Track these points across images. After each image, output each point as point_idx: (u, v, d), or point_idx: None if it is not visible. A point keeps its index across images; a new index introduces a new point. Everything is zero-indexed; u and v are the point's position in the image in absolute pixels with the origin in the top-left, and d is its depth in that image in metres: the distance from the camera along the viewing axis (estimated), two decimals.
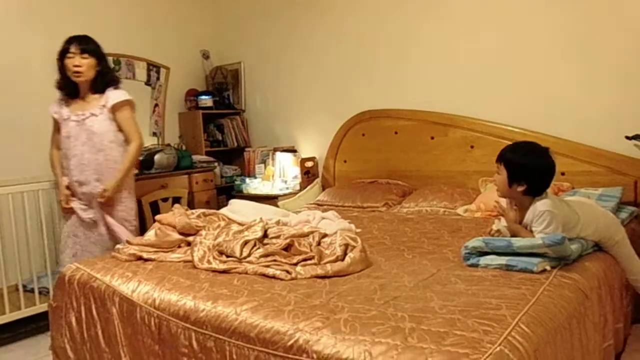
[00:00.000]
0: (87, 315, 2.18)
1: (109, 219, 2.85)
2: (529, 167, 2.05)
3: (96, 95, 2.87)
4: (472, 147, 3.48)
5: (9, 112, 3.47)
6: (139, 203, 3.72)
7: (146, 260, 2.32)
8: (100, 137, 2.81)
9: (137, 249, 2.38)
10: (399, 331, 1.41)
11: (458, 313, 1.50)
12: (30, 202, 3.03)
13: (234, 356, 1.60)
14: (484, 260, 1.95)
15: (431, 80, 3.66)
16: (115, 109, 2.84)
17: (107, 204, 2.84)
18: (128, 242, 2.47)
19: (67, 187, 2.85)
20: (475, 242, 1.99)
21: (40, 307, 2.94)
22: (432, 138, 3.67)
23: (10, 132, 3.47)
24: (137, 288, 2.02)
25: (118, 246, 2.45)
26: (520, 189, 2.06)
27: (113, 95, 2.86)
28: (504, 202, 2.23)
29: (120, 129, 2.88)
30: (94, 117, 2.81)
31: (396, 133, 3.85)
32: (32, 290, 3.10)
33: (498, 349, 1.29)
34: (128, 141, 2.89)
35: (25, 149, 3.50)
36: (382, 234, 2.67)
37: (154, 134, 4.43)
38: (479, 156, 3.44)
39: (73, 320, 2.25)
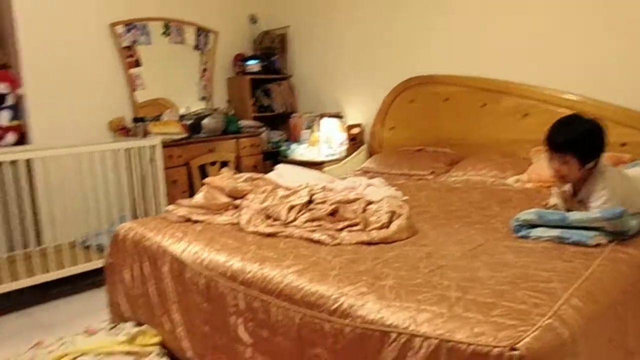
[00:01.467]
0: (140, 272, 2.28)
1: None
2: (592, 138, 1.95)
3: None
4: (525, 115, 3.35)
5: (71, 80, 3.60)
6: (188, 167, 3.82)
7: (195, 221, 2.38)
8: None
9: (187, 211, 2.45)
10: (444, 300, 1.40)
11: (506, 284, 1.47)
12: (89, 164, 3.15)
13: (279, 317, 1.63)
14: (535, 232, 1.90)
15: (483, 45, 3.52)
16: None
17: None
18: (177, 203, 2.54)
19: None
20: (528, 215, 1.93)
21: (96, 263, 3.08)
22: (484, 105, 3.55)
23: (71, 98, 3.60)
24: (187, 248, 2.08)
25: (168, 207, 2.53)
26: (591, 164, 1.97)
27: None
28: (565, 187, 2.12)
29: None
30: None
31: (446, 100, 3.75)
32: (89, 247, 3.26)
33: (548, 322, 1.26)
34: None
35: (82, 114, 3.63)
36: (428, 203, 2.63)
37: (203, 98, 4.49)
38: (532, 125, 3.30)
39: (127, 276, 2.36)
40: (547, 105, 3.22)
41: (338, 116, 4.30)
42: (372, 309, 1.42)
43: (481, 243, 1.89)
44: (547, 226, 1.89)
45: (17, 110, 3.42)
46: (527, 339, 1.19)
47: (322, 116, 4.31)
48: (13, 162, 2.93)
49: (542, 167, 2.84)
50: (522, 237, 1.93)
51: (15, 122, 3.40)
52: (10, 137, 3.36)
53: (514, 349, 1.16)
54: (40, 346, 2.18)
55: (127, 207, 3.30)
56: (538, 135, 3.32)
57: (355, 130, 4.21)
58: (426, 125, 3.88)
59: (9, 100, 3.38)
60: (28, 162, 3.13)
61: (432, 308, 1.37)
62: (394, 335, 1.34)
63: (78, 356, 1.94)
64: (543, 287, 1.44)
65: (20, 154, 2.91)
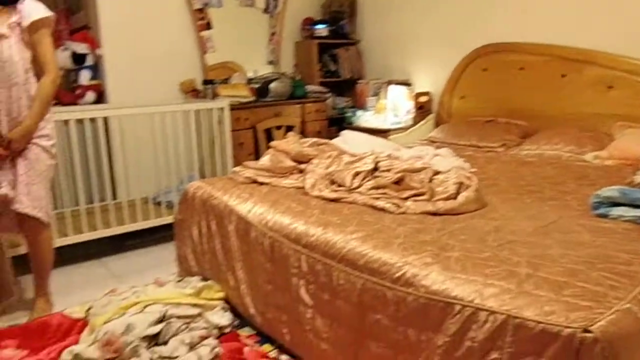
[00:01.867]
0: (207, 230, 2.36)
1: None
2: None
3: (4, 9, 2.14)
4: (609, 87, 3.12)
5: (141, 45, 3.71)
6: (254, 130, 3.87)
7: (261, 183, 2.42)
8: (13, 65, 2.11)
9: (253, 173, 2.49)
10: (513, 275, 1.36)
11: (581, 264, 1.40)
12: (161, 124, 3.26)
13: (341, 281, 1.65)
14: (617, 211, 1.78)
15: (564, 10, 3.27)
16: (33, 28, 2.14)
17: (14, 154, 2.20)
18: (244, 165, 2.59)
19: None
20: (610, 192, 1.82)
21: (166, 219, 3.23)
22: (563, 76, 3.34)
23: (145, 60, 3.72)
24: (253, 209, 2.13)
25: (235, 169, 2.58)
26: None
27: (31, 10, 2.14)
28: None
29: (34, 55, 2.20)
30: (3, 39, 2.10)
31: (522, 69, 3.55)
32: (159, 204, 3.41)
33: (626, 306, 1.19)
34: (41, 73, 2.19)
35: (155, 76, 3.75)
36: (498, 176, 2.54)
37: (270, 62, 4.50)
38: (617, 98, 3.08)
39: (195, 233, 2.45)
40: (634, 77, 2.99)
41: (406, 84, 4.19)
42: (437, 279, 1.40)
43: (554, 220, 1.81)
44: (632, 205, 1.77)
45: (96, 70, 3.58)
46: (602, 322, 1.13)
47: (389, 83, 4.22)
48: (92, 120, 3.08)
49: (625, 143, 2.66)
50: (600, 215, 1.82)
51: (94, 82, 3.56)
52: (90, 95, 3.52)
53: (587, 331, 1.11)
54: (114, 293, 2.32)
55: (195, 167, 3.40)
56: (624, 110, 3.10)
57: (423, 99, 4.10)
58: (499, 95, 3.71)
59: (89, 60, 3.54)
60: (105, 120, 3.27)
61: (499, 283, 1.33)
62: (458, 308, 1.31)
63: (149, 304, 2.05)
64: (622, 270, 1.36)
65: (98, 111, 3.05)
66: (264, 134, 3.93)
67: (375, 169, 2.29)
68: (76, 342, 1.99)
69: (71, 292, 2.61)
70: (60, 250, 2.98)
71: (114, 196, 3.47)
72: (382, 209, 1.96)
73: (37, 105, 2.16)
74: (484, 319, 1.26)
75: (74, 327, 2.15)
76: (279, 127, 4.00)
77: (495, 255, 1.49)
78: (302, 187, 2.29)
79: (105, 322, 1.98)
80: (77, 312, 2.29)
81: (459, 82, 3.95)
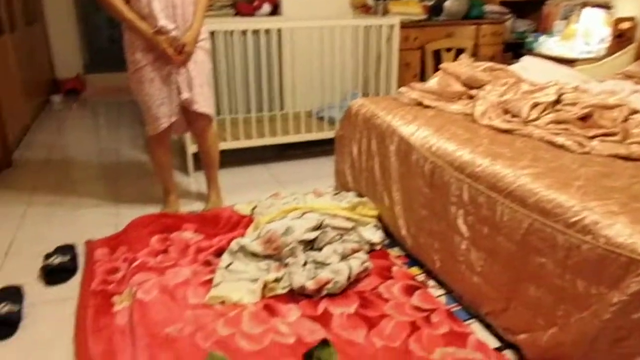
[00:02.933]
0: (367, 148, 2.37)
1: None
2: None
3: None
4: None
5: None
6: (422, 50, 3.70)
7: (426, 106, 2.33)
8: None
9: (419, 95, 2.40)
10: None
11: None
12: (330, 39, 3.27)
13: (505, 217, 1.55)
14: None
15: None
16: None
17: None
18: (410, 86, 2.50)
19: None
20: None
21: (327, 134, 3.32)
22: None
23: None
24: (416, 132, 2.07)
25: (401, 89, 2.51)
26: None
27: None
28: None
29: None
30: None
31: None
32: (322, 118, 3.51)
33: None
34: None
35: None
36: None
37: None
38: None
39: (354, 149, 2.48)
40: None
41: (606, 6, 3.61)
42: (622, 232, 1.24)
43: None
44: None
45: None
46: None
47: (584, 5, 3.67)
48: (267, 31, 3.20)
49: None
50: None
51: None
52: (266, 7, 3.63)
53: None
54: (277, 197, 2.49)
55: (359, 85, 3.39)
56: None
57: (624, 25, 3.51)
58: None
59: None
60: (279, 32, 3.37)
61: None
62: None
63: (307, 212, 2.16)
64: None
65: (273, 23, 3.15)
66: (432, 56, 3.74)
67: (558, 101, 2.05)
68: (242, 235, 2.20)
69: (239, 191, 2.86)
70: (231, 152, 3.27)
71: (281, 107, 3.64)
72: (562, 146, 1.76)
73: (200, 9, 2.28)
74: None
75: (240, 222, 2.37)
76: (449, 50, 3.77)
77: None
78: (471, 114, 2.15)
79: (268, 222, 2.15)
80: (244, 209, 2.51)
81: None
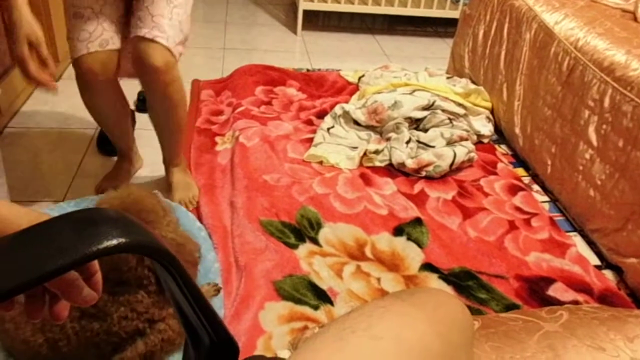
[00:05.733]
0: (496, 32, 2.15)
1: None
2: None
3: None
4: None
5: None
6: None
7: None
8: None
9: None
10: None
11: None
12: None
13: None
14: None
15: None
16: None
17: None
18: None
19: None
20: None
21: (447, 12, 3.05)
22: None
23: None
24: (562, 21, 1.82)
25: None
26: None
27: None
28: None
29: None
30: None
31: None
32: None
33: None
34: None
35: None
36: None
37: None
38: None
39: (480, 32, 2.26)
40: None
41: None
42: None
43: None
44: None
45: None
46: None
47: None
48: None
49: None
50: None
51: None
52: None
53: None
54: (386, 69, 2.37)
55: None
56: None
57: None
58: None
59: None
60: None
61: None
62: None
63: (418, 89, 2.04)
64: None
65: None
66: None
67: None
68: (346, 102, 2.14)
69: (344, 57, 2.75)
70: (338, 15, 3.10)
71: None
72: None
73: None
74: None
75: (346, 88, 2.30)
76: None
77: None
78: (632, 12, 1.85)
79: (375, 93, 2.06)
80: (350, 76, 2.42)
81: None
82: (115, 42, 1.38)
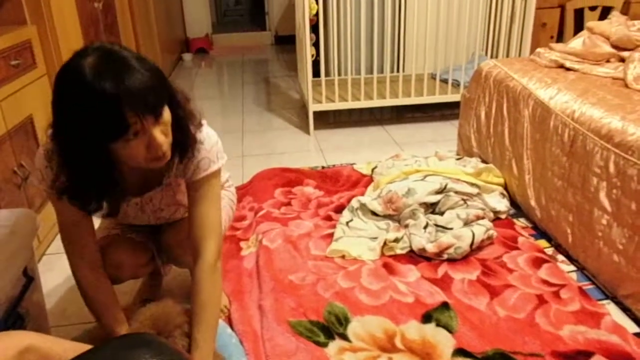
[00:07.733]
0: (497, 112, 2.25)
1: None
2: None
3: None
4: None
5: None
6: (562, 9, 3.39)
7: (568, 69, 2.15)
8: None
9: (560, 56, 2.21)
10: None
11: None
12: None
13: None
14: None
15: None
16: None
17: None
18: (550, 47, 2.31)
19: None
20: None
21: (450, 97, 3.20)
22: None
23: None
24: (556, 96, 1.91)
25: (539, 49, 2.33)
26: None
27: None
28: None
29: None
30: None
31: None
32: (445, 81, 3.38)
33: None
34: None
35: None
36: None
37: None
38: None
39: (482, 113, 2.36)
40: None
41: None
42: None
43: None
44: None
45: None
46: None
47: None
48: None
49: None
50: None
51: None
52: None
53: None
54: (397, 158, 2.46)
55: (488, 45, 3.20)
56: None
57: None
58: None
59: None
60: None
61: None
62: None
63: (429, 174, 2.12)
64: None
65: None
66: (573, 15, 3.41)
67: None
68: (362, 194, 2.22)
69: (357, 150, 2.88)
70: (348, 112, 3.27)
71: (403, 68, 3.56)
72: None
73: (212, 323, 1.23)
74: None
75: (361, 181, 2.39)
76: (593, 8, 3.42)
77: None
78: (622, 79, 1.94)
79: (389, 182, 2.14)
80: (364, 169, 2.52)
81: None
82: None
